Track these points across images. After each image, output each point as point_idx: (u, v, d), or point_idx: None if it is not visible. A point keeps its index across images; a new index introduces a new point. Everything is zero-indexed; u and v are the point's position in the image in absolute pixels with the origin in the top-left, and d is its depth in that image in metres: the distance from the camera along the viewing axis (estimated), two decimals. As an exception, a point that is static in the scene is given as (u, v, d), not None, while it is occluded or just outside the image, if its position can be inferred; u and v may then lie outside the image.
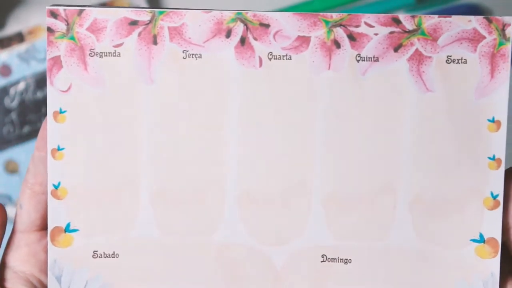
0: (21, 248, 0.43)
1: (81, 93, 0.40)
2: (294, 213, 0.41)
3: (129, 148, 0.41)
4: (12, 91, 0.75)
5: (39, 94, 0.75)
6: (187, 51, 0.40)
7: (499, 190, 0.39)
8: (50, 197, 0.41)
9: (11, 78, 0.75)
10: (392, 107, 0.40)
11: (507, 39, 0.39)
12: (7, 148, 0.75)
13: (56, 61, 0.40)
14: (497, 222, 0.39)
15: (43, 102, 0.75)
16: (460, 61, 0.39)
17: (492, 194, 0.40)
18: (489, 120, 0.40)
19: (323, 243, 0.41)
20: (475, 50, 0.39)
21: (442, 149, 0.40)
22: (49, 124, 0.41)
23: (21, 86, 0.75)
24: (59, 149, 0.41)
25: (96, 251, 0.41)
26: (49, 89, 0.41)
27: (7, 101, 0.75)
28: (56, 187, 0.41)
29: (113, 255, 0.41)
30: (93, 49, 0.40)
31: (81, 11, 0.40)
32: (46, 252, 0.42)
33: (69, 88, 0.40)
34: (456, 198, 0.40)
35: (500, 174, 0.40)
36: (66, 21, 0.40)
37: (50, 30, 0.40)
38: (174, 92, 0.40)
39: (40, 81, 0.75)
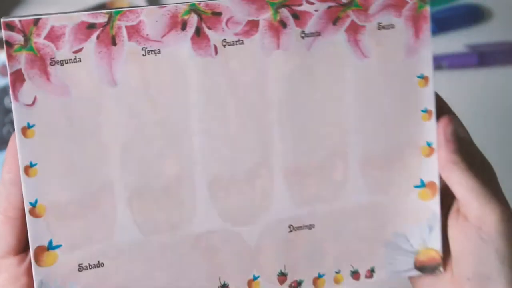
0: (1, 275, 0.41)
1: (46, 104, 0.40)
2: (260, 191, 0.42)
3: (99, 154, 0.40)
4: (12, 91, 0.75)
5: (39, 94, 0.75)
6: (146, 48, 0.40)
7: (433, 138, 0.44)
8: (29, 217, 0.39)
9: (11, 78, 0.75)
10: (336, 77, 0.42)
11: (425, 2, 0.42)
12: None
13: (18, 75, 0.39)
14: (434, 167, 0.43)
15: (43, 102, 0.75)
16: (389, 26, 0.43)
17: (427, 143, 0.44)
18: (418, 77, 0.43)
19: (288, 214, 0.43)
20: (400, 15, 0.42)
21: (382, 109, 0.43)
22: (19, 141, 0.39)
23: (21, 86, 0.75)
24: (31, 165, 0.39)
25: (81, 263, 0.40)
26: (14, 105, 0.40)
27: (7, 101, 0.75)
28: (33, 205, 0.39)
29: (98, 265, 0.41)
30: (53, 58, 0.39)
31: (37, 21, 0.39)
32: (27, 275, 0.41)
33: (34, 101, 0.40)
34: (399, 151, 0.43)
35: (432, 124, 0.44)
36: (23, 32, 0.39)
37: (8, 43, 0.39)
38: (138, 90, 0.40)
39: (40, 81, 0.75)
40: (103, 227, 0.41)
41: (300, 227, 0.43)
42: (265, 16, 0.41)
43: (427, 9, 0.43)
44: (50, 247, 0.40)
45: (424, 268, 0.44)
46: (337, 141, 0.43)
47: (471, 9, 0.76)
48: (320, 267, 0.44)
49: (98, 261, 0.41)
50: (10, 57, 0.39)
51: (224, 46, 0.41)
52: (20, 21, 0.39)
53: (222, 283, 0.43)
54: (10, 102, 0.75)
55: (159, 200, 0.41)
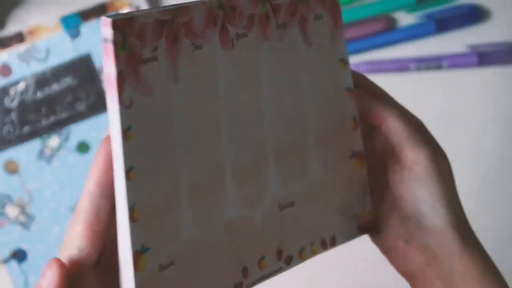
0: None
1: (139, 105, 0.39)
2: (263, 175, 0.45)
3: (183, 154, 0.41)
4: (12, 91, 0.75)
5: (39, 94, 0.75)
6: (194, 43, 0.41)
7: (356, 113, 0.49)
8: (129, 223, 0.38)
9: (11, 78, 0.75)
10: (296, 66, 0.46)
11: None
12: (7, 148, 0.75)
13: (121, 76, 0.38)
14: (359, 138, 0.49)
15: (43, 102, 0.75)
16: (319, 17, 0.47)
17: (352, 117, 0.49)
18: (340, 61, 0.48)
19: (278, 194, 0.46)
20: (325, 7, 0.47)
21: (324, 92, 0.48)
22: (122, 145, 0.38)
23: (21, 86, 0.75)
24: (131, 169, 0.38)
25: (161, 264, 0.40)
26: (118, 107, 0.38)
27: (7, 101, 0.75)
28: (132, 210, 0.38)
29: (171, 264, 0.41)
30: (141, 57, 0.38)
31: (130, 19, 0.38)
32: (110, 286, 0.41)
33: (131, 103, 0.38)
34: (336, 127, 0.48)
35: (353, 102, 0.49)
36: (122, 31, 0.38)
37: (115, 43, 0.37)
38: (194, 86, 0.41)
39: (40, 81, 0.75)
40: (175, 226, 0.41)
41: (286, 205, 0.46)
42: (257, 9, 0.44)
43: (339, 0, 0.48)
44: (143, 251, 0.39)
45: (365, 229, 0.50)
46: (300, 122, 0.46)
47: (471, 9, 0.76)
48: (302, 241, 0.47)
49: (171, 261, 0.41)
50: (116, 57, 0.37)
51: (237, 39, 0.43)
52: (118, 19, 0.37)
53: (244, 267, 0.44)
54: (10, 102, 0.76)
55: (210, 193, 0.42)
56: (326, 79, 0.48)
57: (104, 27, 0.37)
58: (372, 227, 0.50)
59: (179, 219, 0.41)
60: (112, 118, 0.38)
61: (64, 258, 0.40)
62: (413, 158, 0.47)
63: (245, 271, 0.44)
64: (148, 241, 0.39)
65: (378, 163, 0.50)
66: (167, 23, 0.39)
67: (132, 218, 0.38)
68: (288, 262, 0.47)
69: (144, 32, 0.38)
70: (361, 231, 0.50)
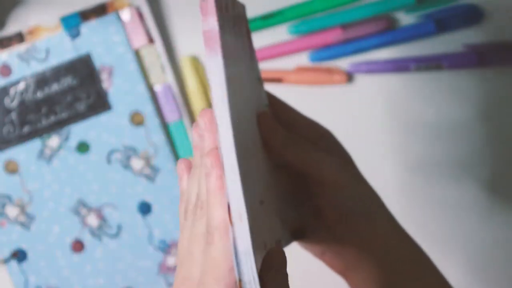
0: None
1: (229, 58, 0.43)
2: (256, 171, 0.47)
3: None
4: (12, 91, 0.75)
5: (39, 94, 0.75)
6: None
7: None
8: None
9: (11, 78, 0.75)
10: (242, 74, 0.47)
11: None
12: (7, 148, 0.75)
13: (222, 30, 0.41)
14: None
15: (43, 102, 0.75)
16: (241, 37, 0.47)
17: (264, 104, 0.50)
18: (257, 79, 0.49)
19: (259, 191, 0.47)
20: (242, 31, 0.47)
21: (252, 104, 0.48)
22: (228, 95, 0.41)
23: (21, 86, 0.75)
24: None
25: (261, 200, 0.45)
26: (222, 60, 0.40)
27: (7, 101, 0.75)
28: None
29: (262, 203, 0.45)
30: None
31: None
32: None
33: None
34: (256, 139, 0.48)
35: (264, 90, 0.51)
36: None
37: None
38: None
39: (40, 81, 0.75)
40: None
41: (261, 202, 0.47)
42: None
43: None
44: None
45: (294, 236, 0.51)
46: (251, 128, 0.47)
47: (471, 9, 0.77)
48: (270, 237, 0.48)
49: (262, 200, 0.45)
50: (218, 11, 0.39)
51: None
52: None
53: (265, 244, 0.46)
54: (10, 102, 0.76)
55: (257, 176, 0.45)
56: (255, 94, 0.48)
57: None
58: (300, 233, 0.51)
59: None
60: (213, 72, 0.38)
61: None
62: (321, 175, 0.49)
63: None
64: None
65: (298, 177, 0.51)
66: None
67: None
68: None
69: None
70: (293, 237, 0.51)
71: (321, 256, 0.52)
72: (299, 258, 0.76)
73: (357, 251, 0.50)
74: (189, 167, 0.49)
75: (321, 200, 0.50)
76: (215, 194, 0.43)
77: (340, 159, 0.50)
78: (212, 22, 0.38)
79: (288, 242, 0.51)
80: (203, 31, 0.38)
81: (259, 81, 0.50)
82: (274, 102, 0.52)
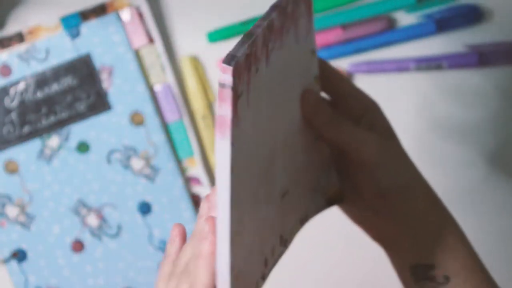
0: None
1: (237, 141, 0.43)
2: (273, 175, 0.49)
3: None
4: (12, 91, 0.75)
5: (39, 94, 0.75)
6: (256, 66, 0.42)
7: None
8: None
9: (11, 78, 0.75)
10: (291, 60, 0.48)
11: None
12: (7, 148, 0.75)
13: (235, 118, 0.40)
14: None
15: (43, 102, 0.75)
16: (300, 8, 0.47)
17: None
18: (311, 51, 0.50)
19: (282, 186, 0.49)
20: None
21: (301, 80, 0.49)
22: (231, 180, 0.41)
23: (21, 86, 0.75)
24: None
25: None
26: (230, 148, 0.40)
27: (7, 101, 0.75)
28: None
29: None
30: (238, 94, 0.40)
31: (237, 62, 0.39)
32: None
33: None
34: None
35: (318, 88, 0.51)
36: (237, 75, 0.39)
37: (234, 90, 0.38)
38: (259, 109, 0.45)
39: (40, 81, 0.75)
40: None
41: (284, 193, 0.49)
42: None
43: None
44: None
45: (333, 202, 0.53)
46: (293, 116, 0.49)
47: (471, 9, 0.76)
48: (292, 222, 0.51)
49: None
50: (234, 102, 0.38)
51: (271, 52, 0.44)
52: (236, 66, 0.38)
53: (265, 258, 0.47)
54: (10, 102, 0.76)
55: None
56: (303, 70, 0.49)
57: (223, 74, 0.37)
58: (339, 199, 0.53)
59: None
60: (220, 156, 0.38)
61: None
62: (365, 157, 0.49)
63: (266, 262, 0.47)
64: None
65: (338, 152, 0.53)
66: (250, 56, 0.39)
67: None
68: (285, 244, 0.50)
69: (239, 70, 0.38)
70: (329, 203, 0.53)
71: (358, 224, 0.53)
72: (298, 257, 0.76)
73: (395, 227, 0.51)
74: (184, 233, 0.48)
75: (359, 177, 0.50)
76: (206, 258, 0.43)
77: (381, 136, 0.50)
78: (226, 110, 0.38)
79: (321, 209, 0.53)
80: (217, 114, 0.38)
81: (313, 53, 0.50)
82: (326, 71, 0.52)
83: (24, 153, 0.75)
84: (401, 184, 0.50)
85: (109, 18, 0.75)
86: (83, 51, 0.75)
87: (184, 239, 0.48)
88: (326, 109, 0.50)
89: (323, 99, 0.51)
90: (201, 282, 0.43)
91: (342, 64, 0.77)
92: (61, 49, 0.75)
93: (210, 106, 0.77)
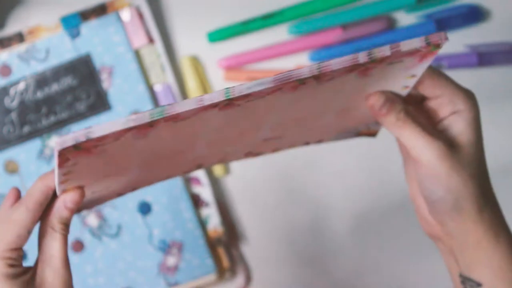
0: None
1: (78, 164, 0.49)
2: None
3: None
4: (12, 91, 0.75)
5: (39, 94, 0.75)
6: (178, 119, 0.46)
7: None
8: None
9: (11, 78, 0.75)
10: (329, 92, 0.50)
11: (439, 46, 0.47)
12: (7, 148, 0.75)
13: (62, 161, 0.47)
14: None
15: (43, 102, 0.75)
16: (397, 61, 0.47)
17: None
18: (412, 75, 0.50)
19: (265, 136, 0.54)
20: (413, 56, 0.47)
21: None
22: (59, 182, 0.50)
23: (21, 86, 0.75)
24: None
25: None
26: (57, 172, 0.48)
27: (7, 101, 0.75)
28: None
29: None
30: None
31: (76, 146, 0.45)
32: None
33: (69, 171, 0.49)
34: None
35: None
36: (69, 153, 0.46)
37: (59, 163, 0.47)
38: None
39: (40, 81, 0.75)
40: None
41: (272, 138, 0.55)
42: (293, 84, 0.46)
43: (437, 51, 0.47)
44: None
45: (362, 135, 0.56)
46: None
47: (471, 9, 0.76)
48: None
49: None
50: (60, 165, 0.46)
51: (246, 102, 0.46)
52: (63, 151, 0.45)
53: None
54: (10, 102, 0.76)
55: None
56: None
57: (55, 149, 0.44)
58: (371, 136, 0.57)
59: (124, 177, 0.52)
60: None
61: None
62: (425, 162, 0.50)
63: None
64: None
65: None
66: (134, 128, 0.44)
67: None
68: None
69: (105, 137, 0.44)
70: (359, 135, 0.57)
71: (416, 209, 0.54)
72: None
73: (445, 235, 0.51)
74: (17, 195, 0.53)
75: (418, 175, 0.51)
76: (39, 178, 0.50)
77: (446, 144, 0.50)
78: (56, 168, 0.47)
79: (347, 137, 0.58)
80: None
81: (404, 88, 0.51)
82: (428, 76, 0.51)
83: (24, 153, 0.75)
84: (450, 200, 0.50)
85: (109, 18, 0.75)
86: (83, 51, 0.75)
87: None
88: (393, 109, 0.50)
89: (393, 98, 0.51)
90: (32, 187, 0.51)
91: (342, 64, 0.77)
92: (61, 49, 0.75)
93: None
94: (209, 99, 0.43)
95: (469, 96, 0.52)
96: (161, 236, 0.75)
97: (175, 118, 0.44)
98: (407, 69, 0.48)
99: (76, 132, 0.43)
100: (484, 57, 0.76)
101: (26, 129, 0.75)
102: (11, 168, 0.75)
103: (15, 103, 0.75)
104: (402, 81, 0.50)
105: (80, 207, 0.55)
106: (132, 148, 0.47)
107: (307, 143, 0.58)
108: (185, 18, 0.77)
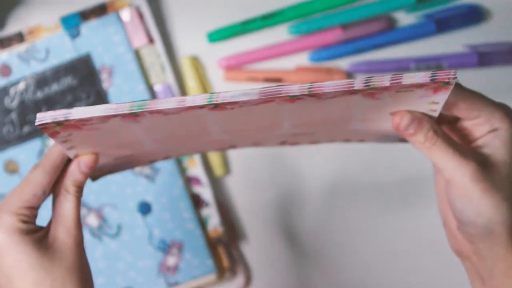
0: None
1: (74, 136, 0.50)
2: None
3: None
4: (12, 91, 0.75)
5: (39, 94, 0.75)
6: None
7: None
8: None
9: (11, 78, 0.75)
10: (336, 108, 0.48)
11: (449, 83, 0.45)
12: (7, 148, 0.75)
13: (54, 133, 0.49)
14: None
15: (43, 102, 0.75)
16: (408, 90, 0.45)
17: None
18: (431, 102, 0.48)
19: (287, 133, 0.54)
20: (422, 87, 0.45)
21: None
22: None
23: (21, 86, 0.75)
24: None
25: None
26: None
27: (7, 101, 0.75)
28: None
29: None
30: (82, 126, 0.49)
31: (60, 123, 0.47)
32: None
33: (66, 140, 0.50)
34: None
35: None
36: (52, 127, 0.47)
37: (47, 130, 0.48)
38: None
39: (40, 81, 0.75)
40: None
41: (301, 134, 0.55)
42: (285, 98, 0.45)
43: (450, 87, 0.45)
44: None
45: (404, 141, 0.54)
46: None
47: (471, 9, 0.76)
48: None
49: None
50: (47, 130, 0.47)
51: (239, 107, 0.45)
52: (45, 124, 0.46)
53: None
54: (10, 102, 0.76)
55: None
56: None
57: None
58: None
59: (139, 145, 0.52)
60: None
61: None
62: (456, 183, 0.49)
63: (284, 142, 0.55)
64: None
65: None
66: (118, 115, 0.45)
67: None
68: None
69: (87, 120, 0.45)
70: (402, 141, 0.54)
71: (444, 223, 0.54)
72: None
73: (471, 249, 0.51)
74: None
75: (448, 193, 0.50)
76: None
77: (478, 165, 0.48)
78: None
79: (388, 141, 0.56)
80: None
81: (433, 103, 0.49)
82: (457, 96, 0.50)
83: (24, 153, 0.75)
84: (481, 224, 0.49)
85: (109, 18, 0.75)
86: (83, 51, 0.75)
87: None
88: (421, 129, 0.49)
89: (421, 117, 0.49)
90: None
91: (342, 64, 0.77)
92: (61, 49, 0.75)
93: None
94: (191, 101, 0.43)
95: (507, 114, 0.50)
96: (161, 236, 0.75)
97: (161, 112, 0.44)
98: (423, 97, 0.47)
99: (56, 111, 0.44)
100: (484, 57, 0.76)
101: (26, 129, 0.75)
102: (11, 168, 0.75)
103: (15, 103, 0.75)
104: (425, 106, 0.48)
105: (106, 170, 0.57)
106: (131, 128, 0.47)
107: (347, 140, 0.57)
108: (185, 18, 0.77)
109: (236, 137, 0.54)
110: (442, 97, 0.47)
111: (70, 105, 0.75)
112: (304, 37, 0.77)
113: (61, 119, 0.44)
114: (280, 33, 0.77)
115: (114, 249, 0.75)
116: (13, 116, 0.75)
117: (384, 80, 0.43)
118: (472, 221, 0.49)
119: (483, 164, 0.49)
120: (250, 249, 0.76)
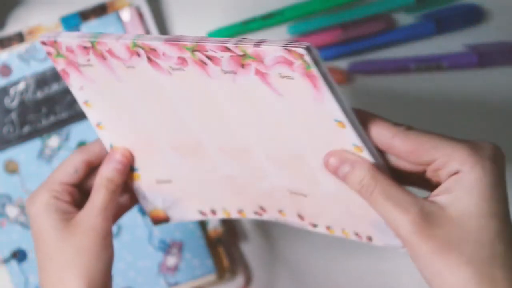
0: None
1: (87, 88, 0.55)
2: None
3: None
4: (12, 91, 0.75)
5: (39, 94, 0.75)
6: (125, 64, 0.50)
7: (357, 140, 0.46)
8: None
9: (11, 78, 0.75)
10: (261, 104, 0.47)
11: (309, 65, 0.42)
12: (7, 148, 0.75)
13: (64, 72, 0.55)
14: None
15: (43, 102, 0.75)
16: (289, 77, 0.44)
17: (353, 144, 0.45)
18: (335, 120, 0.44)
19: (280, 184, 0.53)
20: (294, 70, 0.43)
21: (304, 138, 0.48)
22: (85, 111, 0.57)
23: (21, 86, 0.75)
24: (99, 123, 0.57)
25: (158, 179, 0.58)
26: (72, 90, 0.56)
27: (7, 101, 0.75)
28: (111, 146, 0.58)
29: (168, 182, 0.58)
30: (77, 62, 0.53)
31: (55, 42, 0.53)
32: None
33: (81, 87, 0.54)
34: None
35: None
36: (52, 46, 0.53)
37: (49, 54, 0.54)
38: (143, 88, 0.54)
39: (40, 81, 0.75)
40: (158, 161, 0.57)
41: (297, 193, 0.52)
42: (187, 55, 0.46)
43: (314, 70, 0.42)
44: (132, 170, 0.58)
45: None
46: (290, 152, 0.50)
47: (471, 9, 0.77)
48: (327, 220, 0.52)
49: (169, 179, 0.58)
50: (54, 61, 0.53)
51: (173, 70, 0.48)
52: (45, 41, 0.52)
53: (260, 206, 0.56)
54: (10, 102, 0.76)
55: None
56: (309, 130, 0.47)
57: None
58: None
59: (163, 158, 0.56)
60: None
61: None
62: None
63: (262, 209, 0.56)
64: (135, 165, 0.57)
65: None
66: (89, 48, 0.50)
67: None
68: (314, 226, 0.54)
69: (72, 49, 0.51)
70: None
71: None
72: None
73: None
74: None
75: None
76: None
77: (425, 220, 0.40)
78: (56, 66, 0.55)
79: (394, 247, 0.49)
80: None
81: (338, 122, 0.46)
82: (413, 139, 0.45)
83: (24, 153, 0.75)
84: (426, 279, 0.41)
85: (109, 18, 0.75)
86: (83, 51, 0.75)
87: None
88: (353, 175, 0.43)
89: (354, 160, 0.44)
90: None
91: (342, 64, 0.77)
92: (61, 49, 0.75)
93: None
94: (125, 37, 0.48)
95: (470, 153, 0.41)
96: (161, 236, 0.75)
97: (113, 54, 0.49)
98: (314, 98, 0.44)
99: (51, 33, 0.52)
100: (484, 57, 0.76)
101: (26, 129, 0.75)
102: (11, 168, 0.75)
103: (15, 103, 0.75)
104: (348, 146, 0.45)
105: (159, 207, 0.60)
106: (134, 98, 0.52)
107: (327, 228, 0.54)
108: (185, 18, 0.77)
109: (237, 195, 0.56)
110: (327, 98, 0.43)
111: (70, 105, 0.75)
112: (304, 37, 0.77)
113: (52, 39, 0.51)
114: (279, 33, 0.77)
115: (114, 249, 0.75)
116: (13, 116, 0.75)
117: (249, 44, 0.43)
118: (423, 274, 0.41)
119: (432, 217, 0.40)
120: (250, 249, 0.76)
